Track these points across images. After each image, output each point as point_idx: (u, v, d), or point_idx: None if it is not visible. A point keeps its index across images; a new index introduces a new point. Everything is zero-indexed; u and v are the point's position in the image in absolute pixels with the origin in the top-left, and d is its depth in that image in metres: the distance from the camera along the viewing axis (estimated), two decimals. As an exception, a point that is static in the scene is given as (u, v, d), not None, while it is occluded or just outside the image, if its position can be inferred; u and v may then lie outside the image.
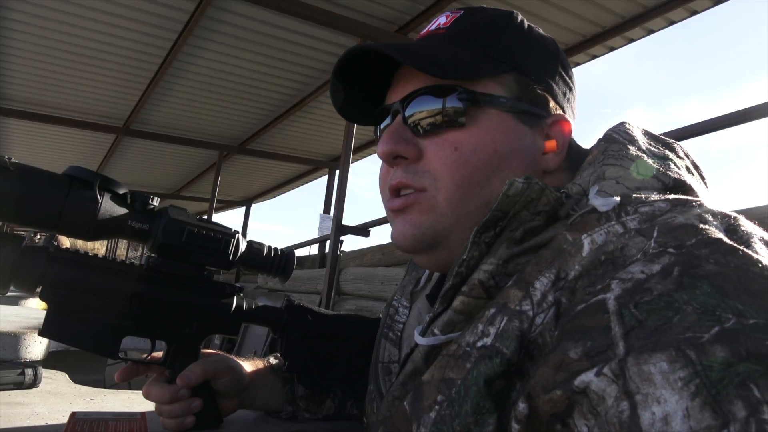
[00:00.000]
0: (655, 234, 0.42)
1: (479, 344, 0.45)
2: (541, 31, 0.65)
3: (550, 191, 0.50)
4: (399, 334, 0.72)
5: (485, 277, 0.49)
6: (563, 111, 0.63)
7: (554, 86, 0.62)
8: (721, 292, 0.34)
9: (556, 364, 0.37)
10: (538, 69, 0.61)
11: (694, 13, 3.70)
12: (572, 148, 0.63)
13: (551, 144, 0.60)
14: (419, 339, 0.53)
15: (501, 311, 0.46)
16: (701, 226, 0.41)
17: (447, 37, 0.61)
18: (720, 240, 0.39)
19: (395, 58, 0.57)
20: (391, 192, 0.61)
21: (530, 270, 0.46)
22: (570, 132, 0.62)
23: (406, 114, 0.60)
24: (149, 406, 0.80)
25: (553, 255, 0.46)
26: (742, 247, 0.38)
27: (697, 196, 0.51)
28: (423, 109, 0.59)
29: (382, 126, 0.66)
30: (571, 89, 0.65)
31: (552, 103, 0.62)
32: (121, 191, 0.72)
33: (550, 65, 0.63)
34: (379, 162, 0.66)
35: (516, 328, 0.44)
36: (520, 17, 0.63)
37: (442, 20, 0.63)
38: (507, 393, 0.43)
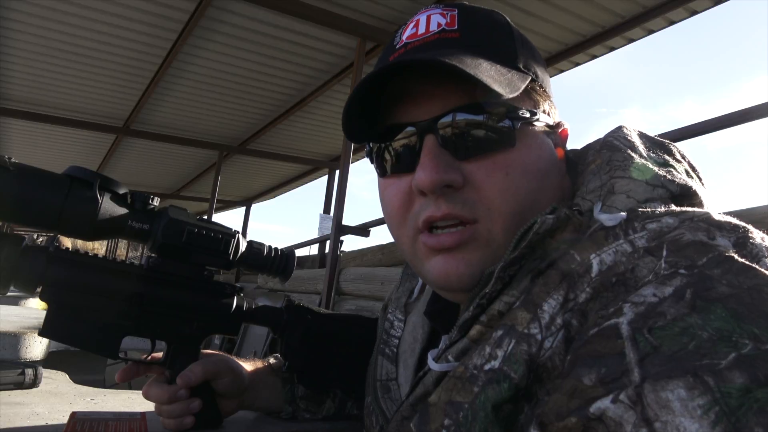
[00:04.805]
0: (664, 253, 0.41)
1: (487, 367, 0.45)
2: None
3: (576, 218, 0.49)
4: (395, 350, 0.71)
5: (505, 309, 0.48)
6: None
7: (550, 92, 0.61)
8: (735, 316, 0.34)
9: (570, 390, 0.37)
10: (542, 76, 0.58)
11: (694, 13, 3.69)
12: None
13: (560, 152, 0.59)
14: (433, 365, 0.52)
15: (508, 333, 0.45)
16: (711, 242, 0.40)
17: (465, 44, 0.53)
18: (731, 258, 0.38)
19: (466, 73, 0.47)
20: (425, 225, 0.53)
21: (538, 291, 0.45)
22: (567, 136, 0.62)
23: (443, 134, 0.52)
24: (149, 406, 0.80)
25: (561, 276, 0.45)
26: (754, 265, 0.37)
27: (702, 202, 0.51)
28: (467, 130, 0.52)
29: (391, 145, 0.56)
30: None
31: (555, 110, 0.60)
32: (121, 191, 0.72)
33: (544, 70, 0.60)
34: None
35: (524, 352, 0.43)
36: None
37: (440, 20, 0.55)
38: (515, 416, 0.43)
